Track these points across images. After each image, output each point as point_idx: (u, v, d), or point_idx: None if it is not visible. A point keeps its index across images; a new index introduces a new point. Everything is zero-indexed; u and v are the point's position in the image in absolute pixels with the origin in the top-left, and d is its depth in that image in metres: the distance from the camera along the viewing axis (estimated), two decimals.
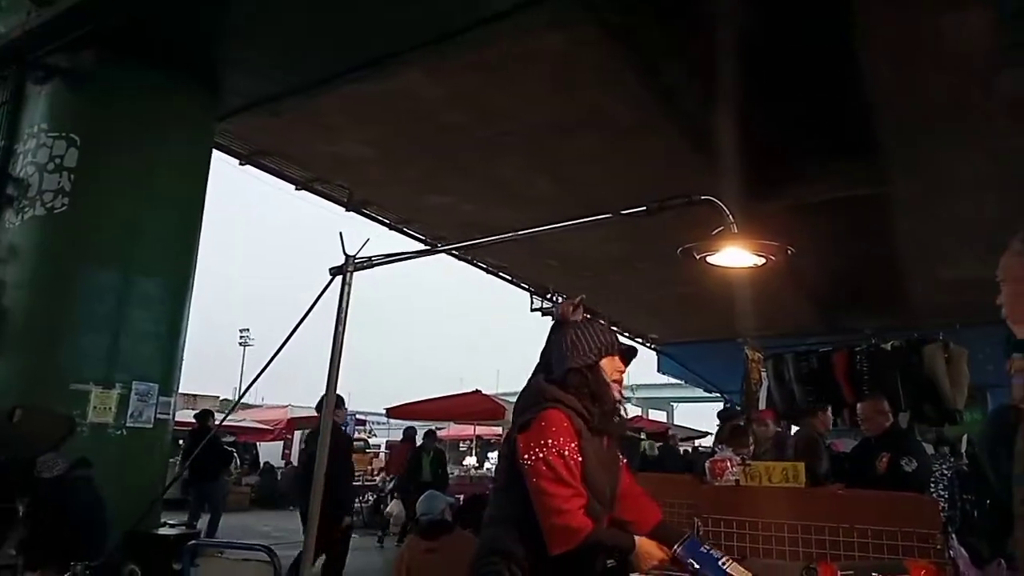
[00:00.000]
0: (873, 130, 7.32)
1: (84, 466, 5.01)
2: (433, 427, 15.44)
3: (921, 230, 9.94)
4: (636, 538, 2.14)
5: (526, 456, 2.03)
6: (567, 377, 2.15)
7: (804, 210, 8.82)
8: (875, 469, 4.29)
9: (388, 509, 11.82)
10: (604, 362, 2.20)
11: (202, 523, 10.16)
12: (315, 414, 19.42)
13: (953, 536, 2.94)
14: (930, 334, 7.80)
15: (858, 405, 4.87)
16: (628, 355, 2.29)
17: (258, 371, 2.35)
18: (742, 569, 2.23)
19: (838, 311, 13.84)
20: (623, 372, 2.25)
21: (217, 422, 12.22)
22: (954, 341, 7.46)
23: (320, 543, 2.93)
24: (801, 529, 3.01)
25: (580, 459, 2.05)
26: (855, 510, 2.98)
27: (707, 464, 3.73)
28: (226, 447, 13.57)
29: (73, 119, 6.36)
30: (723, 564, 2.17)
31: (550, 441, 2.01)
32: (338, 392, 2.11)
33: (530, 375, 2.34)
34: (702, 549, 2.20)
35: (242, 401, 15.78)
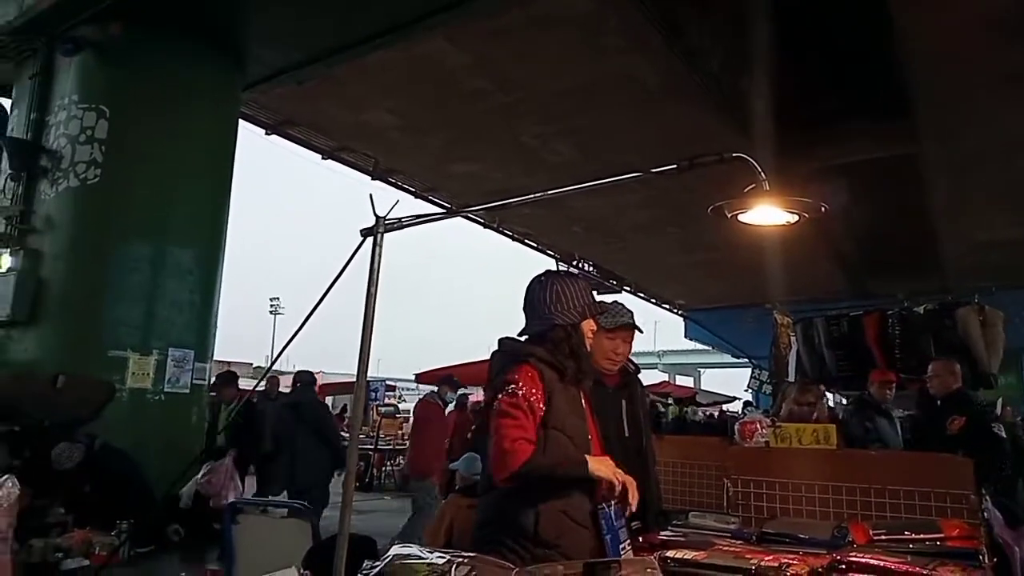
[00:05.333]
0: (905, 91, 7.13)
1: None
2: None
3: (953, 192, 9.72)
4: (587, 458, 2.06)
5: (495, 405, 2.05)
6: (548, 333, 2.17)
7: (834, 172, 8.65)
8: (945, 430, 4.29)
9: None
10: (584, 324, 2.21)
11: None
12: (344, 380, 19.99)
13: (987, 498, 2.91)
14: (964, 297, 7.63)
15: (931, 364, 4.86)
16: (626, 328, 2.32)
17: (289, 337, 2.35)
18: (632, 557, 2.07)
19: (869, 276, 13.63)
20: (613, 341, 2.28)
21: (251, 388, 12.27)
22: (989, 304, 7.30)
23: None
24: (832, 490, 2.99)
25: (542, 406, 2.06)
26: (887, 471, 2.96)
27: (736, 425, 3.71)
28: None
29: (102, 91, 6.44)
30: (622, 547, 2.08)
31: (511, 388, 2.05)
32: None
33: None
34: (615, 522, 2.09)
35: (274, 368, 15.99)
